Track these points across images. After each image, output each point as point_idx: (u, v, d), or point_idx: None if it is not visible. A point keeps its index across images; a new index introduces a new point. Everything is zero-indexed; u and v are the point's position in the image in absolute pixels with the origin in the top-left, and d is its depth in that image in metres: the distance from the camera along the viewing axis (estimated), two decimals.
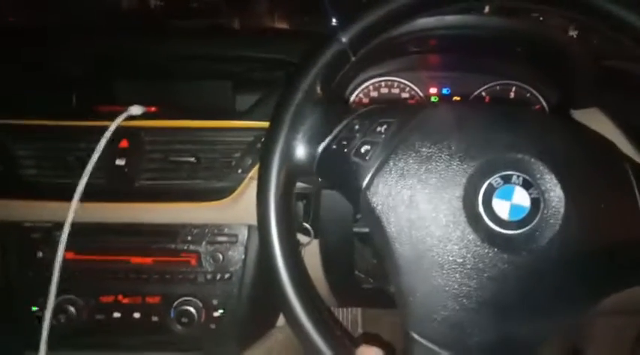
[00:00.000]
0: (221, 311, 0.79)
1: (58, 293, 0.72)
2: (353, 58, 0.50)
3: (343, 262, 0.80)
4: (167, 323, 0.78)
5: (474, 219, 0.42)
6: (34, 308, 0.78)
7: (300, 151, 0.48)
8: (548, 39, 0.74)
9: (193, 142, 0.76)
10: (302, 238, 0.76)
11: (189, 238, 0.78)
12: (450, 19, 0.71)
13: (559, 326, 0.43)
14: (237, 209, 0.75)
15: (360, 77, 0.88)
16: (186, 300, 0.78)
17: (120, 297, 0.79)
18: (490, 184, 0.42)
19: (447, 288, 0.41)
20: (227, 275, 0.78)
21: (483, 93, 0.87)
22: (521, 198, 0.42)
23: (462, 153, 0.43)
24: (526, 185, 0.42)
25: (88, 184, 0.70)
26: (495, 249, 0.41)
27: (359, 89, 0.88)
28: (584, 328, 1.15)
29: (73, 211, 0.70)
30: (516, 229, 0.42)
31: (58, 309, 0.76)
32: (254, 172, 0.74)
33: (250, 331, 0.85)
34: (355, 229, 0.76)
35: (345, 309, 1.35)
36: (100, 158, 0.71)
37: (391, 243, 0.43)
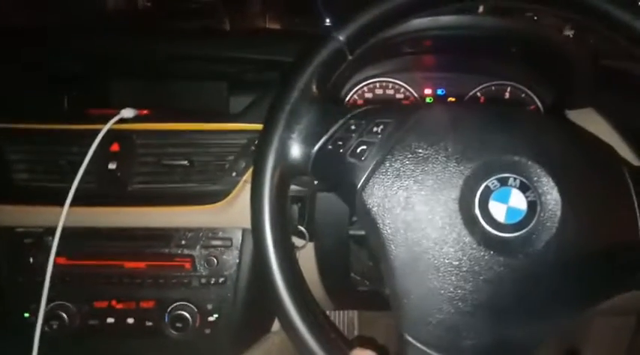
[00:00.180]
0: (216, 315, 0.78)
1: (51, 299, 0.71)
2: (349, 57, 0.49)
3: (339, 265, 0.80)
4: (161, 328, 0.78)
5: (470, 222, 0.42)
6: (26, 315, 0.77)
7: (295, 151, 0.47)
8: (543, 39, 0.74)
9: (186, 145, 0.75)
10: (297, 241, 0.75)
11: (183, 242, 0.78)
12: (445, 19, 0.71)
13: (555, 328, 0.42)
14: (232, 212, 0.74)
15: (354, 78, 0.87)
16: (180, 305, 0.78)
17: (113, 302, 0.78)
18: (487, 186, 0.42)
19: (442, 291, 0.41)
20: (221, 280, 0.78)
21: (478, 94, 0.87)
22: (518, 200, 0.42)
23: (458, 154, 0.43)
24: (523, 188, 0.42)
25: (79, 188, 0.69)
26: (491, 252, 0.41)
27: (353, 90, 0.88)
28: (581, 328, 1.15)
29: (64, 216, 0.69)
30: (513, 232, 0.41)
31: (51, 315, 0.76)
32: (248, 175, 0.74)
33: (245, 335, 0.84)
34: (351, 232, 0.76)
35: (341, 312, 1.34)
36: (91, 162, 0.70)
37: (386, 244, 0.43)
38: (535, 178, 0.42)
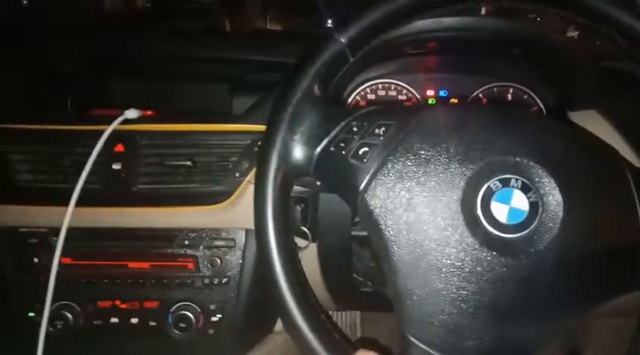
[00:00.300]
0: (219, 316, 0.78)
1: (55, 299, 0.71)
2: (352, 59, 0.50)
3: (341, 265, 0.80)
4: (165, 328, 0.78)
5: (472, 223, 0.42)
6: (31, 315, 0.78)
7: (298, 153, 0.47)
8: (545, 40, 0.74)
9: (190, 146, 0.75)
10: (300, 242, 0.75)
11: (186, 242, 0.78)
12: (448, 20, 0.71)
13: (557, 329, 0.42)
14: (235, 213, 0.74)
15: (357, 79, 0.87)
16: (183, 305, 0.78)
17: (117, 302, 0.78)
18: (489, 187, 0.42)
19: (444, 292, 0.41)
20: (225, 280, 0.78)
21: (481, 95, 0.87)
22: (520, 201, 0.42)
23: (460, 155, 0.43)
24: (525, 188, 0.42)
25: (84, 189, 0.70)
26: (493, 253, 0.41)
27: (356, 92, 0.88)
28: (582, 329, 1.15)
29: (69, 216, 0.69)
30: (515, 233, 0.41)
31: (55, 315, 0.76)
32: (251, 176, 0.74)
33: (248, 336, 0.84)
34: (353, 232, 0.76)
35: (343, 312, 1.34)
36: (95, 162, 0.71)
37: (389, 245, 0.43)
38: (537, 179, 0.42)
